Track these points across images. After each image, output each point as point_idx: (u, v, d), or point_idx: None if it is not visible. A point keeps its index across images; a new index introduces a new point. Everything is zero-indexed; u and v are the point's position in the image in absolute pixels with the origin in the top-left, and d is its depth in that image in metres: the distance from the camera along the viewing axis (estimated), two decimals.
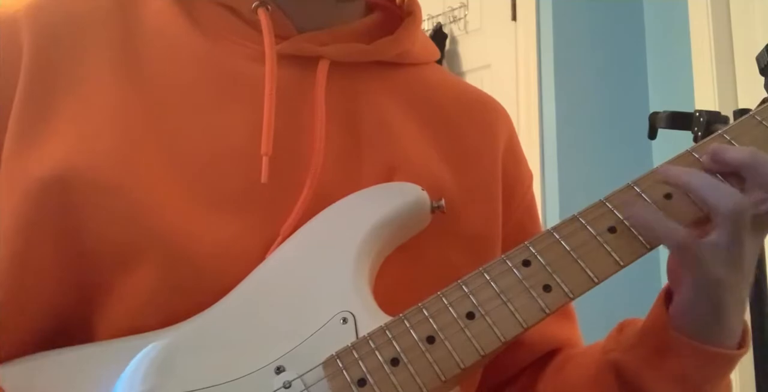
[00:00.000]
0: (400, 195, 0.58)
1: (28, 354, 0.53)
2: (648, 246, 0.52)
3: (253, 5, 0.61)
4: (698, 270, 0.51)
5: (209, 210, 0.55)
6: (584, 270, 0.52)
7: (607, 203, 0.54)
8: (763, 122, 0.55)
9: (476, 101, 0.71)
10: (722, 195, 0.50)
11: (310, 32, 0.63)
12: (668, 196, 0.53)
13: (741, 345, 0.54)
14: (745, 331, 0.55)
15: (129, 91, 0.57)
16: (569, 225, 0.54)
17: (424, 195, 0.59)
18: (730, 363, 0.54)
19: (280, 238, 0.56)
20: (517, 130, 0.74)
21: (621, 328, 0.61)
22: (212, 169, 0.56)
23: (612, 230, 0.53)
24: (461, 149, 0.66)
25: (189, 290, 0.54)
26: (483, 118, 0.70)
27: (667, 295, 0.55)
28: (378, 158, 0.61)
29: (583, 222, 0.53)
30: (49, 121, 0.55)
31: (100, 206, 0.53)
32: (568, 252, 0.52)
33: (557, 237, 0.53)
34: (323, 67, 0.62)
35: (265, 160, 0.56)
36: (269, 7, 0.61)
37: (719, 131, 0.55)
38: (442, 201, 0.60)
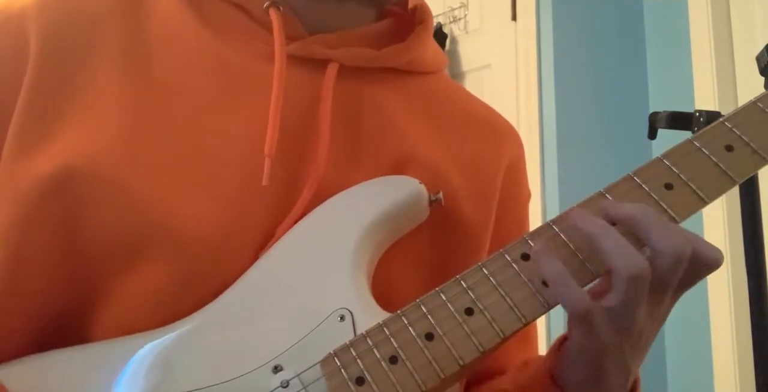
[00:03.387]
0: (397, 188, 0.58)
1: (27, 354, 0.53)
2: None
3: (265, 5, 0.61)
4: (585, 332, 0.50)
5: (212, 208, 0.55)
6: (584, 263, 0.51)
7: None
8: (766, 109, 0.55)
9: (486, 117, 0.71)
10: (626, 258, 0.48)
11: (320, 34, 0.63)
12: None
13: None
14: (634, 384, 0.55)
15: (135, 90, 0.57)
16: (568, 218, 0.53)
17: (422, 188, 0.58)
18: None
19: (275, 238, 0.56)
20: (516, 130, 0.74)
21: (526, 364, 0.61)
22: (216, 167, 0.56)
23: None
24: (466, 155, 0.66)
25: (189, 289, 0.54)
26: (490, 135, 0.69)
27: (564, 340, 0.55)
28: (382, 160, 0.61)
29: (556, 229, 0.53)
30: (55, 121, 0.55)
31: (103, 203, 0.53)
32: (567, 244, 0.52)
33: (556, 230, 0.53)
34: (332, 70, 0.61)
35: (267, 161, 0.56)
36: (281, 7, 0.61)
37: (721, 119, 0.55)
38: (440, 194, 0.59)
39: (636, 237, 0.50)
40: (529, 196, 0.73)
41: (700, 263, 0.50)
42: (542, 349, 0.71)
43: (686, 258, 0.49)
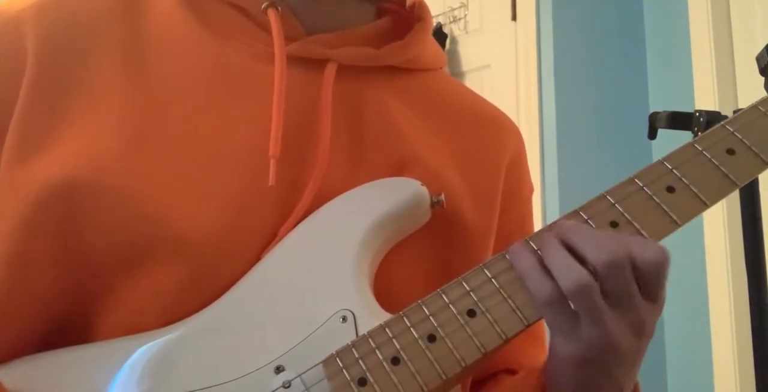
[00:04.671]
0: (399, 190, 0.58)
1: (28, 354, 0.53)
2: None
3: (263, 6, 0.61)
4: (558, 341, 0.50)
5: (215, 210, 0.55)
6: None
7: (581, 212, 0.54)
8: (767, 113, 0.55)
9: (487, 113, 0.71)
10: (565, 272, 0.48)
11: (319, 34, 0.63)
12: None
13: None
14: None
15: (135, 92, 0.57)
16: (569, 219, 0.53)
17: (424, 190, 0.58)
18: None
19: (277, 239, 0.56)
20: (516, 124, 0.74)
21: (526, 375, 0.61)
22: (218, 168, 0.56)
23: (613, 224, 0.53)
24: (467, 155, 0.66)
25: (193, 290, 0.54)
26: (492, 130, 0.69)
27: None
28: (383, 160, 0.61)
29: (585, 216, 0.53)
30: (55, 125, 0.55)
31: (105, 207, 0.53)
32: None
33: None
34: (331, 70, 0.61)
35: (272, 162, 0.56)
36: (279, 7, 0.61)
37: (722, 122, 0.55)
38: (442, 196, 0.59)
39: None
40: (531, 190, 0.73)
41: (646, 265, 0.49)
42: None
43: (624, 263, 0.48)
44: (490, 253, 0.65)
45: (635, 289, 0.49)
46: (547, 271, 0.50)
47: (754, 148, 0.54)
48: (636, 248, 0.49)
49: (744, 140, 0.54)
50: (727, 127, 0.55)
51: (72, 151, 0.54)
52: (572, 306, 0.49)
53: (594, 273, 0.48)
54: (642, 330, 0.50)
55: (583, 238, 0.50)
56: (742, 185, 0.53)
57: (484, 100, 0.73)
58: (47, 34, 0.57)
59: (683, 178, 0.53)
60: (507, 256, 0.53)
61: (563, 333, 0.50)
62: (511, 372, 0.68)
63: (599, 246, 0.49)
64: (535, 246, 0.52)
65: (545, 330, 0.72)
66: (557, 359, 0.52)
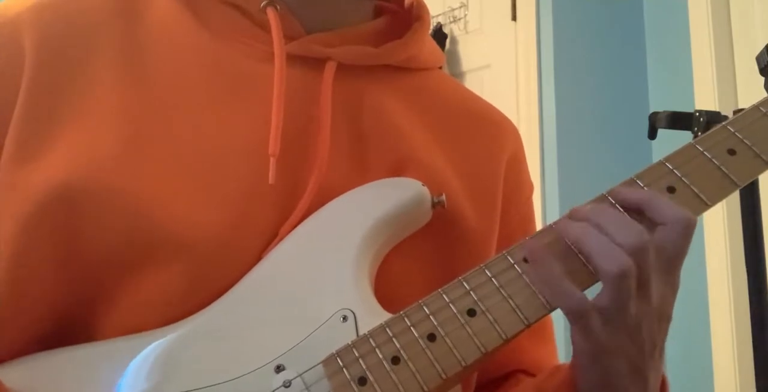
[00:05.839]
0: (400, 190, 0.58)
1: (29, 354, 0.53)
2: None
3: (262, 5, 0.61)
4: (583, 334, 0.50)
5: (215, 210, 0.55)
6: (585, 265, 0.51)
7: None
8: None
9: (485, 112, 0.71)
10: (608, 257, 0.49)
11: (318, 33, 0.63)
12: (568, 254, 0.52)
13: None
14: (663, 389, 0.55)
15: (134, 93, 0.57)
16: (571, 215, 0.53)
17: (425, 190, 0.58)
18: None
19: (278, 238, 0.56)
20: (514, 123, 0.74)
21: (556, 371, 0.61)
22: (218, 168, 0.56)
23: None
24: (466, 153, 0.66)
25: (194, 290, 0.54)
26: (490, 129, 0.69)
27: None
28: (383, 159, 0.61)
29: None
30: (54, 127, 0.55)
31: (104, 210, 0.53)
32: (569, 246, 0.52)
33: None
34: (330, 69, 0.61)
35: (272, 161, 0.56)
36: (278, 6, 0.61)
37: (723, 123, 0.55)
38: (443, 197, 0.59)
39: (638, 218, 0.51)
40: (531, 188, 0.73)
41: (663, 248, 0.51)
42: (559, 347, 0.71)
43: (647, 247, 0.49)
44: (492, 253, 0.65)
45: (686, 251, 0.51)
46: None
47: (755, 149, 0.54)
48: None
49: (745, 140, 0.54)
50: (728, 127, 0.55)
51: (71, 152, 0.54)
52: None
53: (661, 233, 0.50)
54: (664, 314, 0.52)
55: (657, 202, 0.51)
56: (743, 185, 0.53)
57: (482, 100, 0.73)
58: (46, 36, 0.57)
59: (684, 178, 0.53)
60: (507, 256, 0.53)
61: (609, 315, 0.50)
62: (524, 371, 0.68)
63: (673, 207, 0.50)
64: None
65: (554, 329, 0.72)
66: (578, 348, 0.52)
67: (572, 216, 0.53)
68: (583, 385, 0.54)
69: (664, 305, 0.52)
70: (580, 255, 0.52)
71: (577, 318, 0.50)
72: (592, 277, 0.51)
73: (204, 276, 0.54)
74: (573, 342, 0.52)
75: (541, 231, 0.54)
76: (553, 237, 0.53)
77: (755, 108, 0.56)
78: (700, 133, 1.12)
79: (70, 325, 0.54)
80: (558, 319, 0.75)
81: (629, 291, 0.49)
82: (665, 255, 0.50)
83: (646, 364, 0.53)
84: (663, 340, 0.53)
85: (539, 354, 0.68)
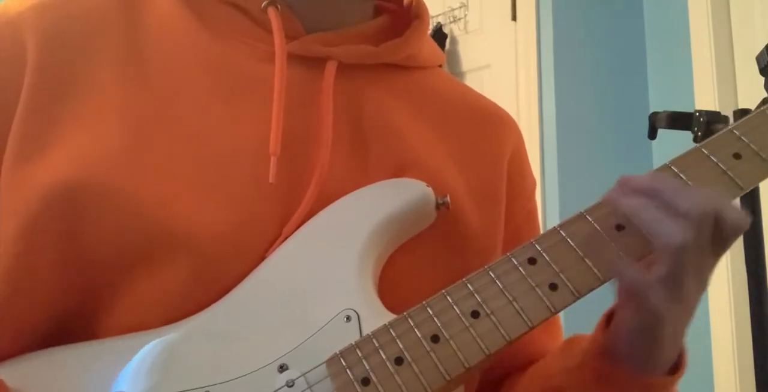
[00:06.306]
0: (405, 191, 0.58)
1: (30, 352, 0.53)
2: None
3: (263, 4, 0.61)
4: (640, 304, 0.51)
5: (216, 210, 0.55)
6: (591, 269, 0.51)
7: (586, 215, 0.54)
8: None
9: (485, 109, 0.71)
10: (668, 231, 0.49)
11: (318, 33, 0.63)
12: (619, 228, 0.52)
13: (677, 368, 0.55)
14: (680, 354, 0.56)
15: (136, 92, 0.57)
16: (575, 222, 0.53)
17: (429, 191, 0.59)
18: (664, 388, 0.54)
19: (282, 238, 0.56)
20: (514, 119, 0.74)
21: (569, 345, 0.61)
22: (220, 168, 0.56)
23: (619, 227, 0.53)
24: (468, 152, 0.66)
25: (197, 289, 0.54)
26: (491, 125, 0.70)
27: (610, 317, 0.55)
28: (385, 158, 0.61)
29: (590, 219, 0.53)
30: (56, 126, 0.55)
31: (107, 209, 0.53)
32: (574, 249, 0.52)
33: (563, 234, 0.53)
34: (331, 68, 0.62)
35: (273, 160, 0.56)
36: (279, 6, 0.61)
37: (729, 127, 0.55)
38: (447, 198, 0.59)
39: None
40: (534, 183, 0.74)
41: (725, 224, 0.50)
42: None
43: (710, 218, 0.49)
44: (498, 251, 0.65)
45: (708, 243, 0.50)
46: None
47: (761, 153, 0.54)
48: (724, 206, 0.51)
49: (751, 145, 0.54)
50: (734, 131, 0.55)
51: (73, 152, 0.54)
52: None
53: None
54: (705, 284, 0.52)
55: (672, 190, 0.51)
56: (749, 189, 0.54)
57: (482, 96, 0.73)
58: (48, 36, 0.57)
59: (690, 182, 0.53)
60: (511, 257, 0.53)
61: (669, 288, 0.50)
62: (533, 364, 0.68)
63: (690, 198, 0.50)
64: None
65: (560, 320, 0.72)
66: (630, 320, 0.52)
67: (625, 186, 0.53)
68: (624, 354, 0.53)
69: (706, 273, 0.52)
70: (585, 260, 0.52)
71: (631, 288, 0.50)
72: (597, 282, 0.51)
73: (207, 276, 0.54)
74: (622, 315, 0.52)
75: (547, 233, 0.53)
76: (559, 238, 0.53)
77: (761, 112, 0.56)
78: (700, 133, 1.12)
79: (71, 325, 0.54)
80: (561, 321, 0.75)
81: (688, 262, 0.49)
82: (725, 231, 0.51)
83: (684, 328, 0.53)
84: (696, 308, 0.54)
85: (549, 348, 0.68)
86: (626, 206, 0.52)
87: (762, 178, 0.54)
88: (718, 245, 0.51)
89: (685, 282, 0.50)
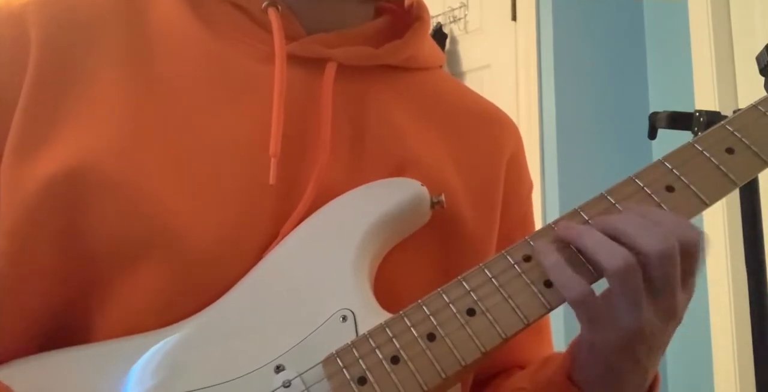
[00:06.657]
0: (399, 190, 0.58)
1: (30, 354, 0.53)
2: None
3: (264, 5, 0.61)
4: (590, 327, 0.51)
5: (214, 209, 0.55)
6: (584, 265, 0.51)
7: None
8: (767, 112, 0.55)
9: (485, 111, 0.71)
10: (608, 253, 0.49)
11: (318, 34, 0.63)
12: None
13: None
14: (653, 384, 0.55)
15: (137, 89, 0.57)
16: (570, 219, 0.53)
17: (424, 190, 0.59)
18: None
19: (278, 238, 0.56)
20: (514, 121, 0.74)
21: (545, 362, 0.62)
22: (219, 167, 0.56)
23: None
24: (467, 153, 0.66)
25: (193, 289, 0.54)
26: (491, 127, 0.70)
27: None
28: (384, 159, 0.62)
29: (585, 217, 0.53)
30: (57, 121, 0.55)
31: (105, 205, 0.53)
32: (568, 245, 0.52)
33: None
34: (331, 70, 0.62)
35: (273, 161, 0.56)
36: (279, 7, 0.61)
37: (722, 122, 0.55)
38: (442, 197, 0.59)
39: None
40: (531, 186, 0.74)
41: (690, 250, 0.50)
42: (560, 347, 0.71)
43: (674, 253, 0.49)
44: (492, 251, 0.65)
45: (676, 278, 0.50)
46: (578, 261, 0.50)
47: (753, 148, 0.54)
48: (683, 233, 0.49)
49: (743, 139, 0.54)
50: (727, 126, 0.55)
51: (73, 145, 0.54)
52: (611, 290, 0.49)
53: (641, 263, 0.49)
54: (674, 316, 0.51)
55: (632, 230, 0.50)
56: (742, 184, 0.53)
57: (482, 98, 0.73)
58: (50, 30, 0.57)
59: (683, 178, 0.53)
60: (506, 255, 0.53)
61: (599, 321, 0.50)
62: (521, 368, 0.68)
63: (649, 236, 0.49)
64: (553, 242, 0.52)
65: (550, 326, 0.72)
66: (587, 346, 0.52)
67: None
68: (583, 378, 0.54)
69: (677, 307, 0.51)
70: (579, 255, 0.51)
71: (579, 304, 0.50)
72: (592, 278, 0.51)
73: (203, 276, 0.54)
74: (580, 335, 0.52)
75: (541, 230, 0.53)
76: (554, 235, 0.53)
77: (754, 107, 0.56)
78: (700, 133, 1.12)
79: (67, 323, 0.54)
80: (556, 321, 0.75)
81: (636, 287, 0.49)
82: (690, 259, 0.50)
83: (651, 365, 0.53)
84: (669, 339, 0.53)
85: (536, 351, 0.68)
86: (570, 233, 0.52)
87: (755, 173, 0.54)
88: (687, 273, 0.50)
89: (642, 312, 0.49)
